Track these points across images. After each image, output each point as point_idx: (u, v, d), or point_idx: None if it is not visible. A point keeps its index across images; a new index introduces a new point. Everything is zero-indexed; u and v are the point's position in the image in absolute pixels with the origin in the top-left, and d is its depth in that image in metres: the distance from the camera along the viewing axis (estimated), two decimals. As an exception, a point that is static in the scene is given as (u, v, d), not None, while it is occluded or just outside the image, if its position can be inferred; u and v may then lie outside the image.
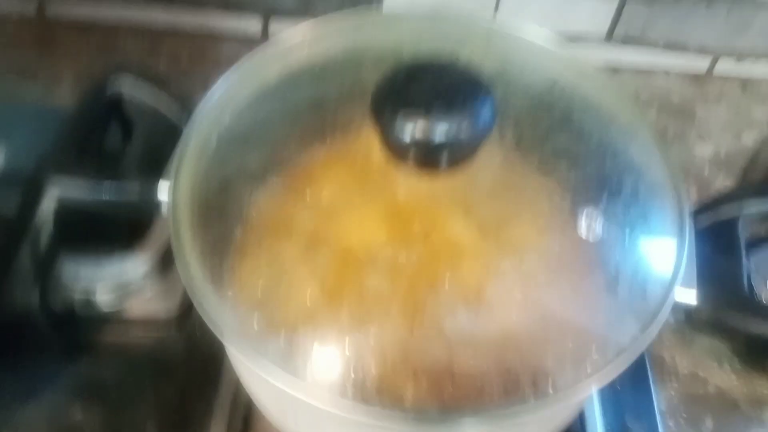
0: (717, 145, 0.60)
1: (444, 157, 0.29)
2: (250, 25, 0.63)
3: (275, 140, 0.34)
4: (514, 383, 0.31)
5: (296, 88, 0.35)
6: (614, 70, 0.64)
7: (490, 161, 0.38)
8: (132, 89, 0.35)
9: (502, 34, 0.38)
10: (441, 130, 0.27)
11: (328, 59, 0.36)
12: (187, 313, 0.45)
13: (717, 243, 0.32)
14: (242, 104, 0.34)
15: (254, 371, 0.27)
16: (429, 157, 0.29)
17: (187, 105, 0.37)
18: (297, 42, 0.37)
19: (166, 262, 0.48)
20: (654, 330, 0.28)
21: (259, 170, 0.34)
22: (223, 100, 0.34)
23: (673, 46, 0.62)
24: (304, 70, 0.36)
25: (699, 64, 0.64)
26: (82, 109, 0.35)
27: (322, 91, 0.34)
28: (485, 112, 0.27)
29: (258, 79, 0.35)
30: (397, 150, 0.30)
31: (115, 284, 0.46)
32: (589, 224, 0.30)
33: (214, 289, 0.29)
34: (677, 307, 0.30)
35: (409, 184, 0.36)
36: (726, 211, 0.33)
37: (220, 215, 0.31)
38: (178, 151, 0.32)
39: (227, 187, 0.32)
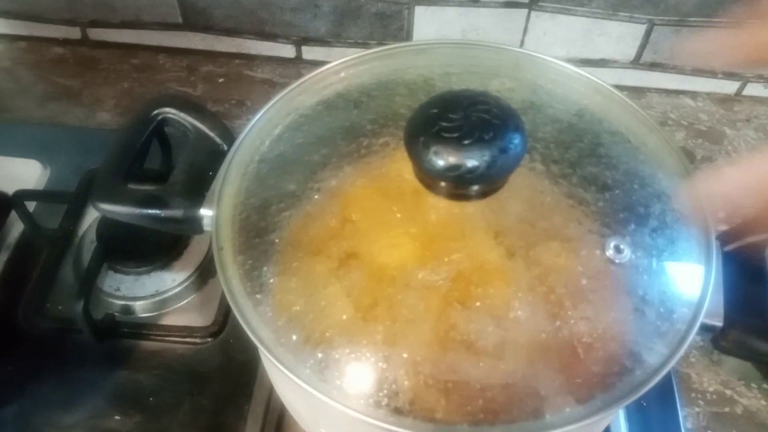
0: (745, 168, 0.60)
1: (474, 187, 0.30)
2: (284, 50, 0.65)
3: (312, 164, 0.35)
4: (542, 400, 0.31)
5: (332, 114, 0.37)
6: (641, 93, 0.64)
7: (520, 186, 0.39)
8: (176, 114, 0.37)
9: (530, 61, 0.39)
10: (471, 164, 0.28)
11: (362, 86, 0.37)
12: (222, 323, 0.47)
13: (744, 267, 0.32)
14: (281, 130, 0.36)
15: (292, 381, 0.28)
16: (459, 187, 0.30)
17: (226, 127, 0.38)
18: (332, 71, 0.38)
19: (203, 275, 0.50)
20: (679, 353, 0.28)
21: (296, 192, 0.35)
22: (263, 126, 0.36)
23: (700, 70, 0.62)
24: (339, 97, 0.37)
25: (727, 88, 0.64)
26: (128, 131, 0.37)
27: (356, 116, 0.36)
28: (516, 145, 0.28)
29: (295, 107, 0.37)
30: (429, 181, 0.31)
31: (154, 296, 0.48)
32: (617, 248, 0.31)
33: (253, 304, 0.31)
34: (704, 330, 0.30)
35: (441, 207, 0.37)
36: (754, 235, 0.34)
37: (260, 235, 0.33)
38: (220, 174, 0.34)
39: (267, 208, 0.33)
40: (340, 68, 0.39)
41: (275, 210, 0.33)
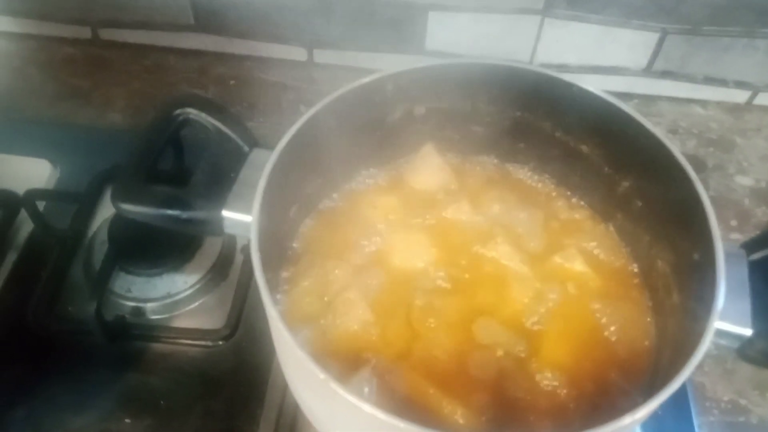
0: (757, 176, 0.60)
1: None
2: (296, 53, 0.65)
3: (330, 167, 0.35)
4: (559, 407, 0.31)
5: (351, 117, 0.36)
6: (652, 101, 0.64)
7: (535, 196, 0.39)
8: (197, 115, 0.37)
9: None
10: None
11: (380, 91, 0.37)
12: (234, 326, 0.47)
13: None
14: (299, 137, 0.35)
15: (314, 382, 0.28)
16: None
17: (247, 129, 0.38)
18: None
19: (215, 277, 0.49)
20: (696, 360, 0.28)
21: (316, 196, 0.35)
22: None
23: (712, 80, 0.63)
24: (357, 100, 0.37)
25: (738, 98, 0.64)
26: (149, 131, 0.37)
27: (374, 120, 0.35)
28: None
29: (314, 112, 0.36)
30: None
31: (166, 298, 0.48)
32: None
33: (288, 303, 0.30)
34: (731, 339, 0.30)
35: (461, 213, 0.37)
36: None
37: (280, 239, 0.33)
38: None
39: (287, 213, 0.33)
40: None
41: (295, 214, 0.33)
